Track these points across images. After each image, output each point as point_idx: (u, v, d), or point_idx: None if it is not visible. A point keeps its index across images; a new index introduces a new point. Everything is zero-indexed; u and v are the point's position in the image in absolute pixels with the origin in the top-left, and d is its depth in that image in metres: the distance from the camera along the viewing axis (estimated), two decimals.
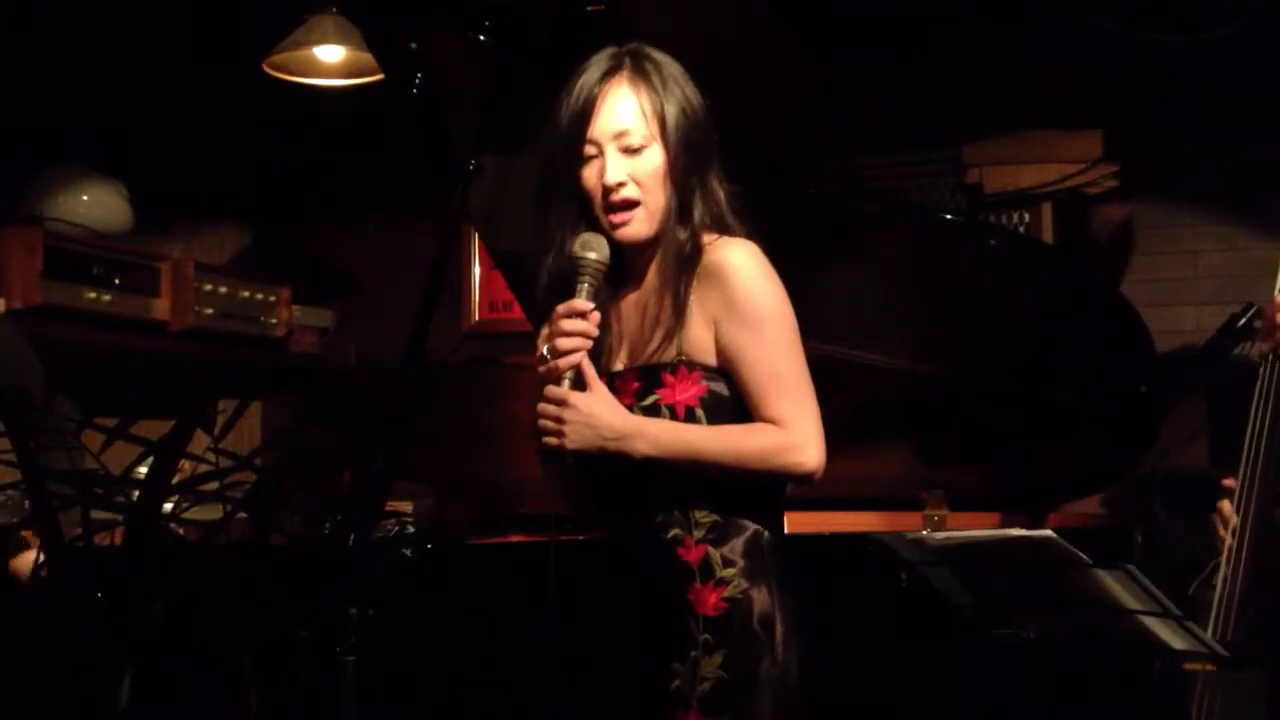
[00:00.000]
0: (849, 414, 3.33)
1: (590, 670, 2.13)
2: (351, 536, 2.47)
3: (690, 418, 2.05)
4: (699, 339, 2.07)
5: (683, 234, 2.08)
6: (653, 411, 2.06)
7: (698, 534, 2.06)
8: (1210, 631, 2.50)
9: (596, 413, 2.02)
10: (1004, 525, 3.28)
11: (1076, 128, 4.30)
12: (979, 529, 3.11)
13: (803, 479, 2.03)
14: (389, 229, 4.96)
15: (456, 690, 2.75)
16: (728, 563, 2.05)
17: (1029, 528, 3.04)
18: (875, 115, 4.48)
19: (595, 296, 2.07)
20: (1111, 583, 2.20)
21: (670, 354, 2.08)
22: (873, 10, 4.34)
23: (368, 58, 4.02)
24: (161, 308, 4.49)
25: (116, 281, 4.33)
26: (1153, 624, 2.23)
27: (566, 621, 2.11)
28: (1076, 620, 2.33)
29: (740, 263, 2.06)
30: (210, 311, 4.61)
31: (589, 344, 2.05)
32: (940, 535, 2.89)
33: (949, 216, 3.91)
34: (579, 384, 2.03)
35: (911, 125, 4.46)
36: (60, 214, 4.35)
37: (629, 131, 2.07)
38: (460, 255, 4.92)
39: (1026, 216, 4.34)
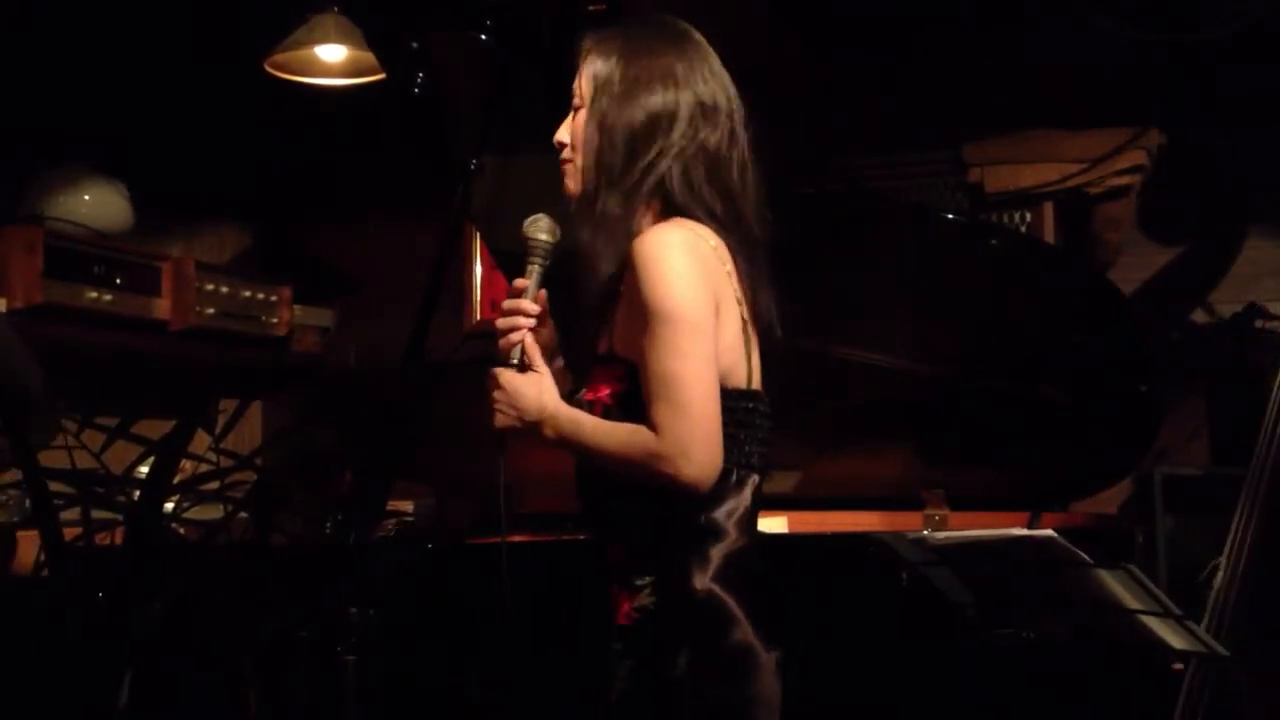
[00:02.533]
0: (849, 414, 3.35)
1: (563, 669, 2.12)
2: (352, 536, 2.47)
3: (606, 414, 1.97)
4: (625, 332, 1.98)
5: (610, 200, 1.98)
6: (578, 405, 2.00)
7: (616, 534, 2.01)
8: (1206, 628, 2.50)
9: (520, 395, 1.99)
10: (1005, 525, 3.28)
11: (1077, 127, 4.30)
12: (980, 529, 3.11)
13: (681, 490, 1.90)
14: (390, 228, 4.96)
15: (456, 690, 2.75)
16: (640, 569, 1.98)
17: (1030, 527, 3.05)
18: (876, 115, 4.47)
19: (545, 277, 2.04)
20: (1112, 582, 2.20)
21: (604, 345, 2.02)
22: (873, 10, 4.34)
23: (369, 57, 4.01)
24: (162, 307, 4.48)
25: (117, 281, 4.32)
26: (1153, 624, 2.23)
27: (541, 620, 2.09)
28: (1077, 620, 2.33)
29: (648, 252, 1.93)
30: (211, 311, 4.60)
31: (530, 323, 2.03)
32: (941, 535, 2.89)
33: (950, 216, 3.91)
34: (522, 364, 2.01)
35: (912, 125, 4.45)
36: (61, 213, 4.34)
37: (574, 91, 2.06)
38: (462, 255, 4.92)
39: (1028, 216, 4.34)
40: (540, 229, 2.06)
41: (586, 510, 2.07)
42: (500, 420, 2.00)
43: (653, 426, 1.90)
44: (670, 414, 1.88)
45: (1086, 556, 2.20)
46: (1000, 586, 2.36)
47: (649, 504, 1.95)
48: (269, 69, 4.12)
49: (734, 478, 1.98)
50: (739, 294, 2.00)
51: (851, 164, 4.40)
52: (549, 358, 2.10)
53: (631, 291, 1.95)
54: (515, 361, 2.01)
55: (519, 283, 2.06)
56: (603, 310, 2.02)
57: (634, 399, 1.95)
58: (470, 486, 3.61)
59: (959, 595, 2.39)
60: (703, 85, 2.03)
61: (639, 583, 1.97)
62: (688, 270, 1.92)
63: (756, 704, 1.95)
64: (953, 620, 2.44)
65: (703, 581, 1.95)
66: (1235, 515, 2.70)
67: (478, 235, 4.68)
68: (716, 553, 1.96)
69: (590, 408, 2.00)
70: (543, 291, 2.05)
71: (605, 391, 1.99)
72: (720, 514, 1.97)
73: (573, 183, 2.06)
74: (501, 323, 2.03)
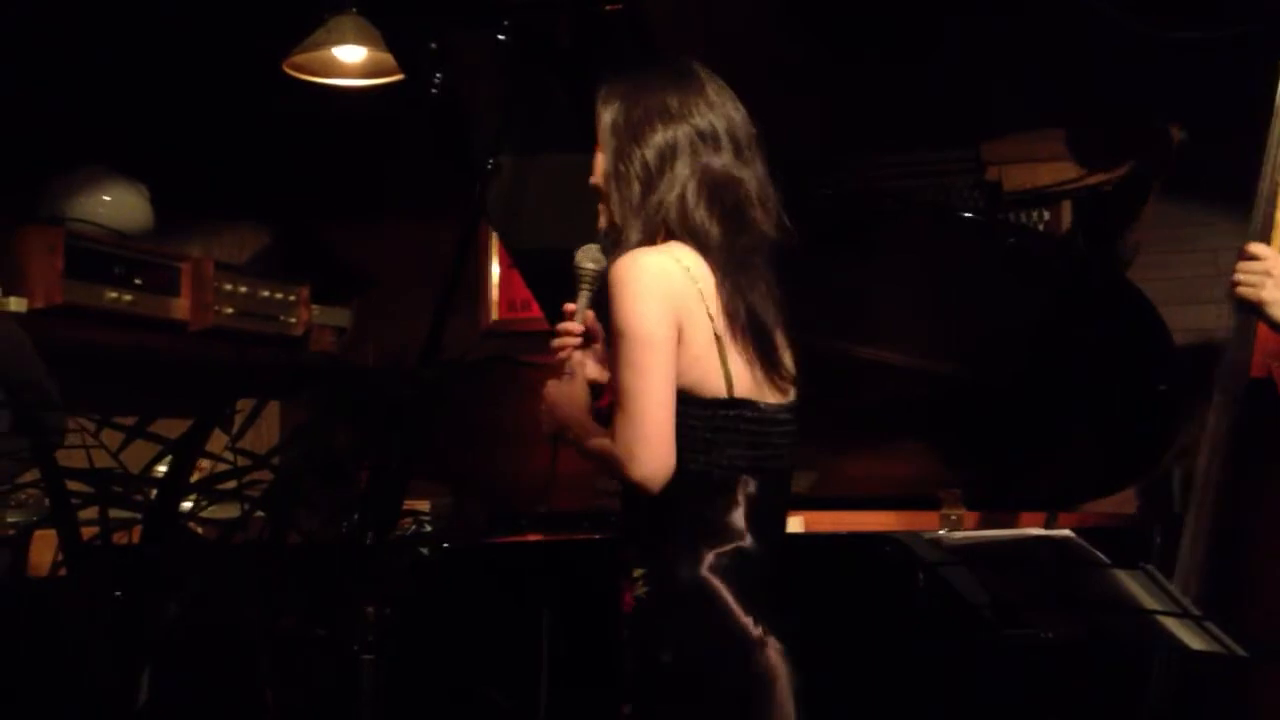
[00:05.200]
0: (866, 413, 3.34)
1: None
2: (369, 536, 2.48)
3: (605, 422, 2.18)
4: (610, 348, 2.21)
5: (633, 233, 2.17)
6: (596, 415, 2.24)
7: (633, 536, 2.20)
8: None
9: (555, 405, 2.24)
10: (1022, 525, 3.27)
11: (1095, 125, 4.28)
12: (997, 528, 3.10)
13: (634, 489, 2.10)
14: (408, 228, 4.97)
15: (472, 689, 2.76)
16: (638, 562, 2.17)
17: (1047, 527, 3.04)
18: (893, 114, 4.46)
19: (593, 303, 2.25)
20: (1130, 583, 2.19)
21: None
22: (889, 8, 4.33)
23: (387, 58, 4.02)
24: (181, 307, 4.51)
25: (137, 281, 4.35)
26: (1171, 624, 2.22)
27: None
28: (1094, 620, 2.33)
29: (613, 275, 2.13)
30: (230, 311, 4.62)
31: (576, 342, 2.26)
32: (958, 535, 2.88)
33: (967, 215, 3.90)
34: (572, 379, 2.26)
35: (929, 123, 4.44)
36: (81, 214, 4.37)
37: (597, 137, 2.26)
38: (479, 254, 4.92)
39: (1046, 214, 4.32)
40: (587, 258, 2.27)
41: (621, 512, 2.25)
42: (545, 427, 2.25)
43: (612, 433, 2.12)
44: (622, 421, 2.10)
45: (1104, 556, 2.20)
46: (1017, 586, 2.36)
47: (646, 505, 2.13)
48: (288, 70, 4.13)
49: (715, 478, 2.13)
50: (713, 309, 2.14)
51: (869, 163, 4.39)
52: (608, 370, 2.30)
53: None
54: (566, 375, 2.25)
55: (568, 307, 2.29)
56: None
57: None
58: (488, 485, 3.62)
59: (975, 595, 2.38)
60: (699, 116, 2.20)
61: (636, 574, 2.16)
62: (646, 291, 2.10)
63: (746, 683, 2.10)
64: (969, 620, 2.43)
65: (689, 572, 2.12)
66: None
67: (495, 235, 4.69)
68: (706, 548, 2.13)
69: (599, 415, 2.22)
70: (590, 312, 2.27)
71: (605, 402, 2.22)
72: (709, 513, 2.13)
73: (602, 219, 2.25)
74: (554, 343, 2.28)
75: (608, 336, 2.24)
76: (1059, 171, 4.27)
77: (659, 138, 2.18)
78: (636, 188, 2.18)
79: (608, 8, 3.30)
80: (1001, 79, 4.33)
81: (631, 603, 2.16)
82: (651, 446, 2.07)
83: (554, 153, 3.20)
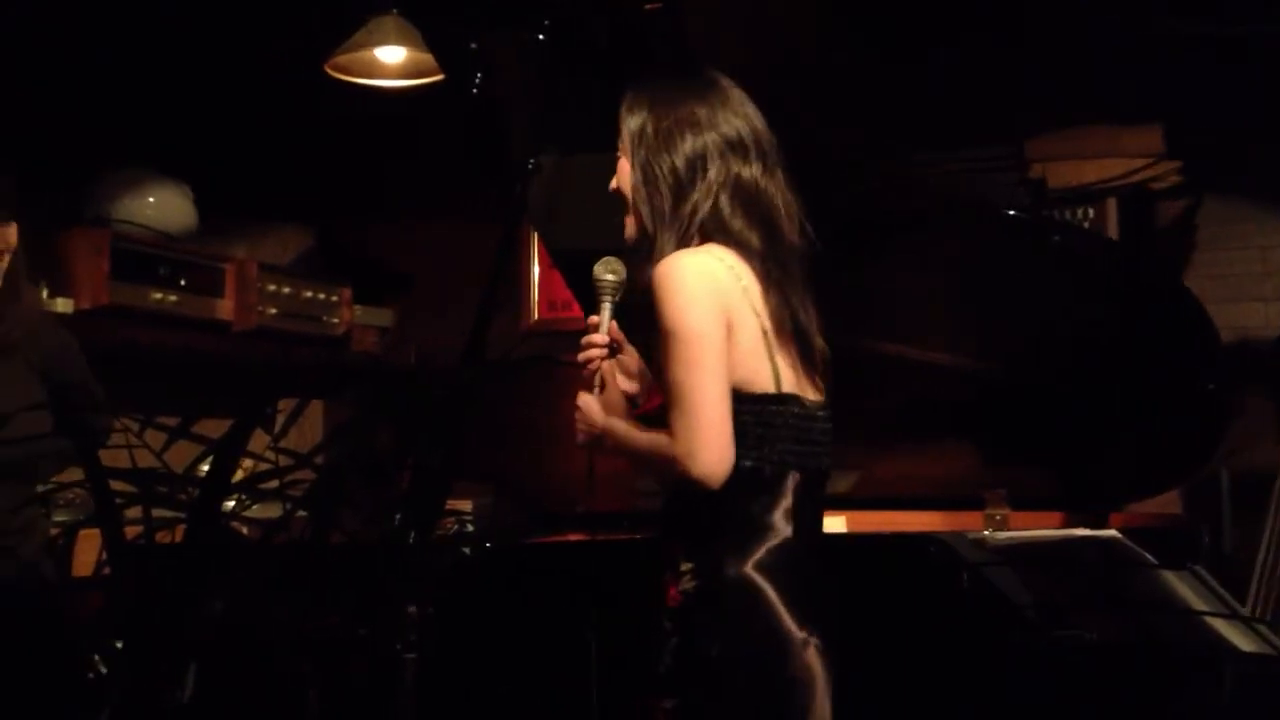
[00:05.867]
0: (908, 412, 3.32)
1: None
2: (411, 535, 2.49)
3: (650, 424, 2.19)
4: (658, 349, 2.20)
5: (662, 240, 2.19)
6: (638, 419, 2.25)
7: (671, 527, 2.22)
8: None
9: (588, 413, 2.24)
10: (1067, 525, 3.24)
11: (1141, 122, 4.24)
12: (1042, 529, 3.08)
13: (693, 486, 2.10)
14: (449, 229, 4.98)
15: (512, 689, 2.76)
16: (684, 557, 2.18)
17: (1093, 527, 3.01)
18: (937, 111, 4.44)
19: (616, 313, 2.28)
20: (1178, 583, 2.17)
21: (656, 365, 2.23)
22: (933, 3, 4.30)
23: (428, 58, 4.03)
24: (226, 308, 4.54)
25: (182, 282, 4.38)
26: (1220, 625, 2.20)
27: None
28: (1141, 621, 2.30)
29: (657, 276, 2.14)
30: (273, 311, 4.65)
31: (603, 353, 2.27)
32: (1002, 535, 2.86)
33: (1011, 212, 3.87)
34: (603, 390, 2.27)
35: (974, 121, 4.41)
36: (127, 216, 4.41)
37: (620, 145, 2.28)
38: (520, 254, 4.93)
39: (1091, 212, 4.29)
40: (606, 269, 2.28)
41: (662, 508, 2.26)
42: (579, 437, 2.25)
43: (668, 432, 2.11)
44: (679, 419, 2.09)
45: (1151, 557, 2.17)
46: (1062, 587, 2.34)
47: (693, 500, 2.13)
48: (330, 71, 4.15)
49: (766, 474, 2.14)
50: (759, 306, 2.17)
51: (913, 161, 4.37)
52: (638, 378, 2.35)
53: (653, 314, 2.15)
54: (597, 387, 2.26)
55: (592, 319, 2.30)
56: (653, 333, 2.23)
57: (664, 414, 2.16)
58: (529, 485, 3.62)
59: (1020, 596, 2.36)
60: (726, 125, 2.22)
61: (682, 569, 2.16)
62: (692, 289, 2.12)
63: (789, 683, 2.11)
64: (1014, 621, 2.41)
65: (737, 568, 2.13)
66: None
67: (535, 235, 4.69)
68: (756, 543, 2.14)
69: (644, 419, 2.23)
70: (614, 323, 2.29)
71: (654, 404, 2.22)
72: (756, 508, 2.14)
73: (629, 228, 2.27)
74: (580, 356, 2.28)
75: (637, 345, 2.27)
76: (1104, 168, 4.24)
77: (688, 146, 2.20)
78: (668, 196, 2.19)
79: (647, 7, 3.29)
80: (1046, 76, 4.29)
81: (677, 597, 2.16)
82: (711, 443, 2.08)
83: (594, 152, 3.19)
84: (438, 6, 3.90)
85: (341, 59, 4.11)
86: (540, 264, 4.97)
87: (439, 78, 4.09)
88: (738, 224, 2.18)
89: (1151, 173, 4.20)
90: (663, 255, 2.17)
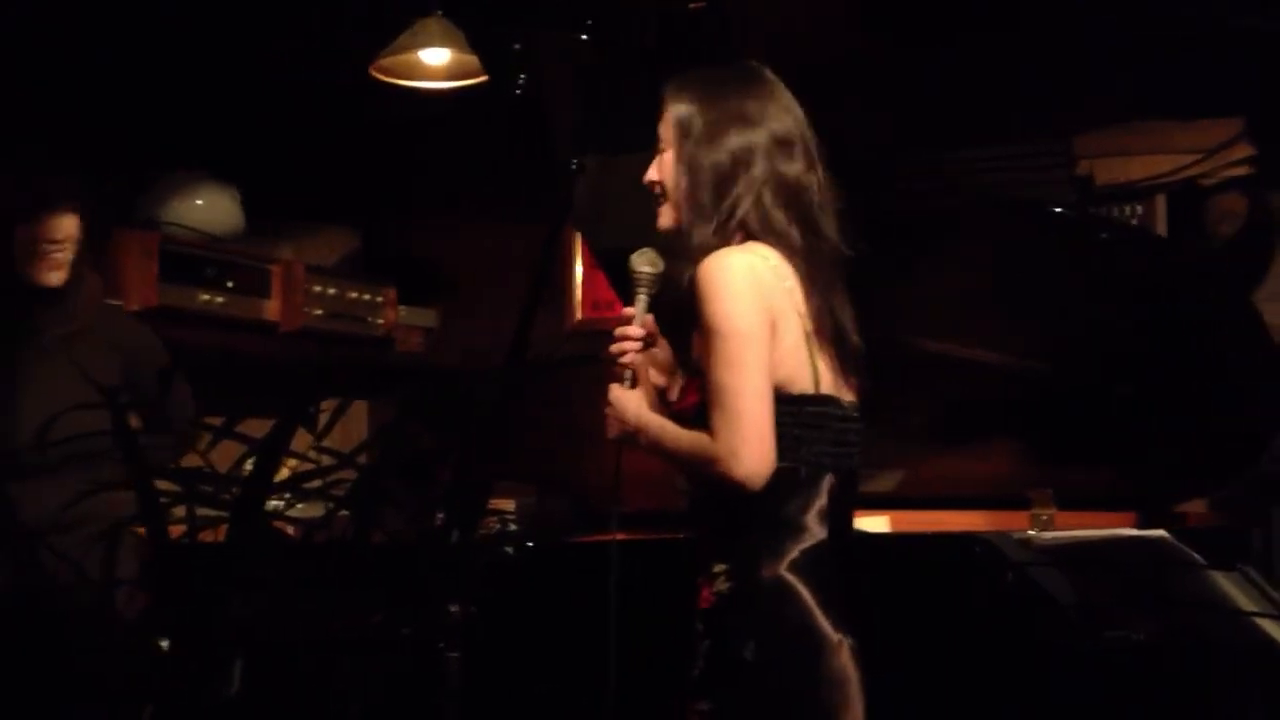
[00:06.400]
0: (953, 411, 3.30)
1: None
2: (454, 535, 2.50)
3: (688, 422, 2.16)
4: (699, 347, 2.18)
5: (701, 234, 2.17)
6: (672, 416, 2.21)
7: (705, 529, 2.20)
8: None
9: (622, 409, 2.21)
10: (1114, 525, 3.21)
11: (1192, 117, 4.20)
12: (1088, 529, 3.05)
13: (735, 487, 2.08)
14: (493, 230, 5.00)
15: (554, 689, 2.76)
16: (717, 559, 2.16)
17: (1140, 527, 2.99)
18: (983, 107, 4.40)
19: (654, 305, 2.25)
20: (1226, 584, 2.15)
21: (693, 361, 2.20)
22: None
23: (472, 59, 4.05)
24: (272, 309, 4.58)
25: (229, 284, 4.42)
26: (1269, 626, 2.17)
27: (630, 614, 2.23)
28: (1190, 622, 2.28)
29: (702, 274, 2.13)
30: (319, 312, 4.69)
31: (637, 347, 2.23)
32: (1048, 535, 2.84)
33: (1058, 210, 3.84)
34: (634, 384, 2.23)
35: (1021, 117, 4.38)
36: (176, 218, 4.46)
37: (660, 135, 2.25)
38: (563, 254, 4.94)
39: (1139, 209, 4.24)
40: (644, 261, 2.25)
41: (691, 508, 2.25)
42: (610, 431, 2.23)
43: (710, 431, 2.09)
44: (721, 419, 2.07)
45: (1199, 557, 2.15)
46: (1109, 588, 2.32)
47: (728, 501, 2.11)
48: (375, 73, 4.17)
49: (802, 475, 2.13)
50: (801, 307, 2.15)
51: (958, 156, 4.34)
52: (668, 373, 2.32)
53: (696, 311, 2.13)
54: (628, 380, 2.22)
55: (627, 311, 2.27)
56: (693, 331, 2.20)
57: (702, 412, 2.12)
58: (572, 484, 3.63)
59: (1066, 596, 2.34)
60: (775, 121, 2.20)
61: (716, 570, 2.15)
62: (738, 288, 2.10)
63: (822, 686, 2.10)
64: (1060, 622, 2.39)
65: (772, 570, 2.11)
66: None
67: (579, 235, 4.70)
68: (791, 544, 2.12)
69: (677, 416, 2.19)
70: (649, 316, 2.25)
71: (689, 401, 2.19)
72: (792, 509, 2.13)
73: (666, 219, 2.25)
74: (613, 348, 2.24)
75: (675, 342, 2.24)
76: (1152, 165, 4.19)
77: (735, 141, 2.18)
78: (709, 191, 2.18)
79: (691, 6, 3.29)
80: (1095, 71, 4.25)
81: (710, 598, 2.15)
82: (754, 443, 2.07)
83: (638, 152, 3.19)
84: (481, 7, 3.91)
85: (386, 61, 4.13)
86: (584, 264, 4.98)
87: (483, 79, 4.10)
88: (780, 222, 2.16)
89: (1201, 169, 4.15)
90: (700, 250, 2.15)
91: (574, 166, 3.20)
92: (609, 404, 2.22)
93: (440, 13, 4.09)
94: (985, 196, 3.70)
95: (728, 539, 2.15)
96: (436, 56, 4.14)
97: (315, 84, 4.56)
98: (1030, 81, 4.34)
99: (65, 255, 2.91)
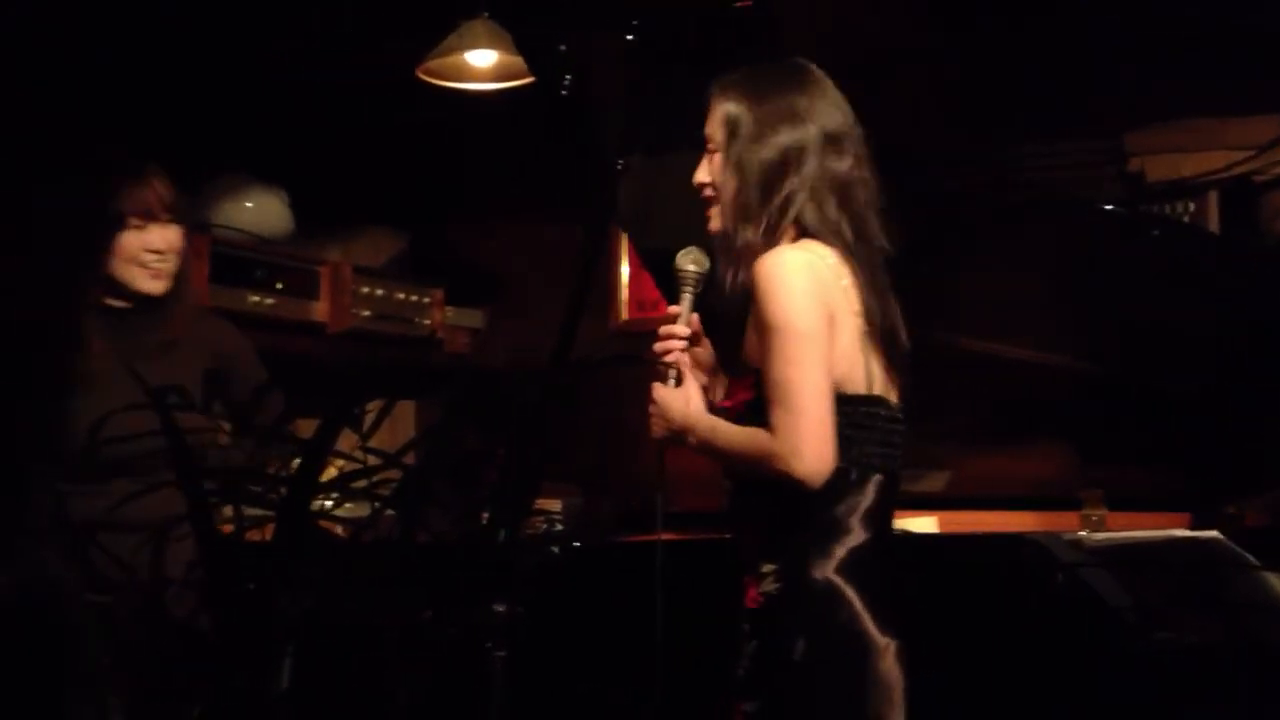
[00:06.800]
0: (1002, 411, 3.28)
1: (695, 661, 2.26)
2: (500, 535, 2.50)
3: (739, 419, 2.16)
4: (752, 344, 2.18)
5: (749, 233, 2.16)
6: (719, 414, 2.22)
7: (753, 528, 2.20)
8: None
9: (667, 408, 2.21)
10: (1166, 526, 3.17)
11: (1246, 112, 4.14)
12: (1140, 529, 3.02)
13: (795, 485, 2.08)
14: (540, 230, 5.01)
15: (599, 691, 2.77)
16: (766, 558, 2.16)
17: (1193, 528, 2.95)
18: (1033, 103, 4.37)
19: (697, 304, 2.26)
20: None
21: (742, 359, 2.22)
22: None
23: (518, 61, 4.05)
24: (321, 310, 4.61)
25: (278, 285, 4.46)
26: None
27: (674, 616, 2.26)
28: (1244, 624, 2.25)
29: (763, 270, 2.12)
30: (367, 313, 4.71)
31: (683, 345, 2.24)
32: (1099, 536, 2.81)
33: (1108, 207, 3.80)
34: (679, 383, 2.24)
35: (1071, 113, 4.34)
36: (225, 221, 4.50)
37: (709, 135, 2.25)
38: (608, 255, 4.94)
39: (1191, 206, 4.20)
40: (689, 259, 2.27)
41: (733, 508, 2.25)
42: (655, 431, 2.24)
43: (769, 428, 2.08)
44: (784, 416, 2.07)
45: (1253, 558, 2.12)
46: (1161, 589, 2.29)
47: (777, 500, 2.12)
48: (422, 76, 4.19)
49: (853, 476, 2.13)
50: (857, 306, 2.15)
51: (1006, 154, 4.31)
52: (709, 372, 2.33)
53: (754, 308, 2.14)
54: (673, 378, 2.22)
55: (672, 309, 2.28)
56: (743, 329, 2.21)
57: (761, 405, 2.12)
58: (617, 484, 3.63)
59: (1118, 598, 2.32)
60: (826, 118, 2.20)
61: (764, 570, 2.15)
62: (800, 286, 2.10)
63: (869, 688, 2.10)
64: (1111, 623, 2.36)
65: (822, 571, 2.11)
66: None
67: (625, 236, 4.70)
68: (839, 546, 2.12)
69: (727, 414, 2.20)
70: (694, 315, 2.27)
71: (739, 399, 2.19)
72: (841, 510, 2.13)
73: (717, 221, 2.24)
74: (658, 347, 2.25)
75: (716, 342, 2.25)
76: (1204, 161, 4.14)
77: (785, 138, 2.17)
78: (757, 190, 2.17)
79: (737, 4, 3.28)
80: (1146, 64, 4.20)
81: (758, 599, 2.15)
82: (815, 441, 2.06)
83: (683, 153, 3.19)
84: (526, 8, 3.91)
85: (433, 64, 4.15)
86: (629, 264, 4.98)
87: (529, 80, 4.10)
88: (833, 219, 2.16)
89: (1254, 165, 4.09)
90: (747, 250, 2.15)
91: (619, 167, 3.20)
92: (653, 403, 2.22)
93: (486, 15, 4.10)
94: (1035, 194, 3.67)
95: (776, 539, 2.15)
96: (483, 58, 4.15)
97: (363, 86, 4.58)
98: (1081, 76, 4.30)
99: (169, 266, 2.94)
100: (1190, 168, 4.16)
